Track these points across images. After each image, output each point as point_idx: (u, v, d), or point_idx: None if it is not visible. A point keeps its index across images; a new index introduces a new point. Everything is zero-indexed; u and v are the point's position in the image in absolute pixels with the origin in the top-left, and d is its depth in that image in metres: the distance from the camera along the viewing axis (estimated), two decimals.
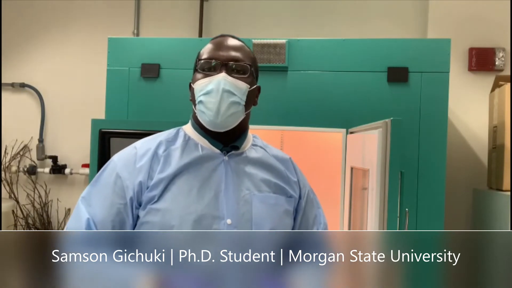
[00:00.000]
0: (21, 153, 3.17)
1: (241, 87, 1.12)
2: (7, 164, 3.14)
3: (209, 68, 1.13)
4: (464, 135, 2.70)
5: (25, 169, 3.12)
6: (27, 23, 3.21)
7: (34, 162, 3.16)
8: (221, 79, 1.10)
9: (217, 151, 1.16)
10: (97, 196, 1.12)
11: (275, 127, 2.23)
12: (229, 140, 1.17)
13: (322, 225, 1.31)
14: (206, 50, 1.17)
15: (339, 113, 2.26)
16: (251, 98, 1.17)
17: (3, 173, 3.12)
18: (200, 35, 2.99)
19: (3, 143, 3.16)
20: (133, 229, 1.10)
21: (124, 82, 2.43)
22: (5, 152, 3.16)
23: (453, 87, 2.40)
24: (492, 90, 2.41)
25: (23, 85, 3.18)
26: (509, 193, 2.05)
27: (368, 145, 1.71)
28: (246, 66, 1.14)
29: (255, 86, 1.19)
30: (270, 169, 1.21)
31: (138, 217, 1.11)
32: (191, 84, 1.17)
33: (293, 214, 1.23)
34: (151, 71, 2.40)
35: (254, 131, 2.35)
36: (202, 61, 1.15)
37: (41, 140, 3.15)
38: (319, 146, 2.35)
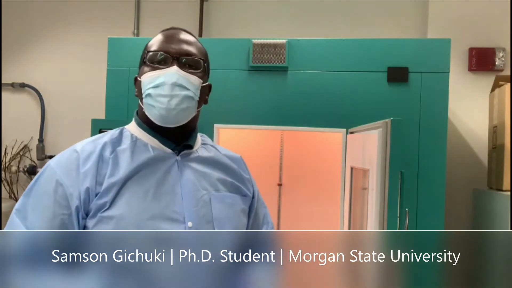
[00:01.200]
0: (21, 153, 3.17)
1: (194, 82, 1.05)
2: (7, 164, 3.14)
3: (159, 61, 1.05)
4: (464, 135, 2.70)
5: (25, 169, 3.12)
6: (27, 23, 3.21)
7: (34, 162, 3.16)
8: (174, 72, 1.02)
9: (169, 151, 1.09)
10: (34, 207, 0.99)
11: (275, 127, 2.23)
12: (180, 139, 1.10)
13: (270, 224, 1.29)
14: (156, 42, 1.08)
15: (339, 113, 2.26)
16: (203, 95, 1.10)
17: (3, 173, 3.12)
18: (200, 35, 2.99)
19: (3, 143, 3.16)
20: None
21: (124, 82, 2.42)
22: (5, 152, 3.15)
23: (453, 87, 2.39)
24: (492, 90, 2.41)
25: (23, 85, 3.18)
26: (509, 193, 2.05)
27: (368, 145, 1.71)
28: (199, 60, 1.07)
29: (207, 83, 1.12)
30: (224, 168, 1.17)
31: (85, 227, 1.00)
32: (137, 78, 1.09)
33: (247, 213, 1.20)
34: None
35: (254, 131, 2.36)
36: (151, 53, 1.06)
37: (41, 140, 3.15)
38: (319, 146, 2.35)
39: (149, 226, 0.99)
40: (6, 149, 3.17)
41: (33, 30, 3.21)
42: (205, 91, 1.11)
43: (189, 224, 1.03)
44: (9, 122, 3.17)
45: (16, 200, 3.11)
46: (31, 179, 3.32)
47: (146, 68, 1.06)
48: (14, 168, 3.13)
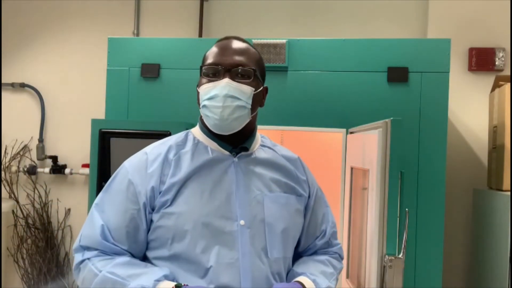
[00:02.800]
0: (21, 153, 3.17)
1: (246, 91, 1.12)
2: (7, 164, 3.14)
3: (213, 73, 1.13)
4: (464, 135, 2.70)
5: (25, 169, 3.11)
6: (27, 23, 3.21)
7: (34, 162, 3.16)
8: (225, 85, 1.10)
9: (227, 153, 1.18)
10: (110, 202, 1.13)
11: (275, 127, 2.23)
12: (237, 141, 1.18)
13: (330, 223, 1.34)
14: (210, 55, 1.16)
15: (339, 113, 2.26)
16: (257, 101, 1.18)
17: (3, 173, 3.12)
18: (200, 35, 2.99)
19: (3, 143, 3.16)
20: (147, 233, 1.13)
21: (124, 82, 2.43)
22: (5, 152, 3.15)
23: (453, 87, 2.39)
24: (492, 90, 2.41)
25: (23, 85, 3.18)
26: (509, 193, 2.05)
27: (368, 145, 1.71)
28: (250, 70, 1.14)
29: (261, 88, 1.20)
30: (280, 169, 1.23)
31: (152, 221, 1.12)
32: (197, 88, 1.18)
33: (303, 213, 1.25)
34: (151, 71, 2.40)
35: None
36: (206, 66, 1.15)
37: (41, 140, 3.15)
38: (319, 146, 2.35)
39: (204, 222, 1.08)
40: (6, 149, 3.16)
41: (33, 30, 3.21)
42: (259, 96, 1.19)
43: (241, 222, 1.11)
44: (9, 122, 3.17)
45: (16, 200, 3.11)
46: (31, 179, 3.33)
47: (203, 80, 1.15)
48: (14, 168, 3.13)
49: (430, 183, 2.15)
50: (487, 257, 2.26)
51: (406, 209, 1.49)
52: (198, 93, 1.17)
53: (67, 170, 3.08)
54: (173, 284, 1.03)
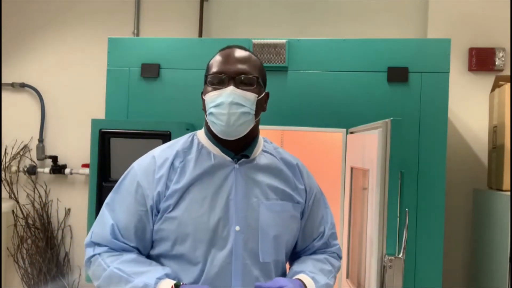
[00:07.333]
0: (21, 153, 3.17)
1: (250, 98, 1.18)
2: (7, 164, 3.14)
3: (218, 82, 1.18)
4: (464, 135, 2.70)
5: (25, 169, 3.11)
6: (27, 23, 3.21)
7: (34, 162, 3.16)
8: (230, 92, 1.15)
9: (229, 159, 1.22)
10: (120, 202, 1.21)
11: (275, 127, 2.23)
12: (240, 148, 1.23)
13: (329, 224, 1.38)
14: (214, 63, 1.21)
15: (339, 113, 2.26)
16: (260, 106, 1.23)
17: (3, 173, 3.12)
18: (200, 35, 2.99)
19: (3, 143, 3.16)
20: (153, 232, 1.20)
21: (124, 82, 2.43)
22: (5, 152, 3.15)
23: (453, 87, 2.39)
24: (492, 90, 2.41)
25: (23, 85, 3.18)
26: (509, 193, 2.05)
27: (368, 145, 1.71)
28: (253, 78, 1.19)
29: (263, 94, 1.25)
30: (279, 175, 1.27)
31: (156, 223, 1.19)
32: (202, 96, 1.23)
33: (299, 218, 1.29)
34: (151, 71, 2.40)
35: None
36: (211, 75, 1.19)
37: (41, 140, 3.15)
38: (319, 146, 2.35)
39: (204, 228, 1.16)
40: (6, 149, 3.16)
41: (33, 30, 3.21)
42: (262, 102, 1.25)
43: (237, 228, 1.18)
44: (9, 122, 3.17)
45: (16, 200, 3.11)
46: (31, 179, 3.32)
47: (208, 88, 1.20)
48: (14, 168, 3.13)
49: (430, 183, 2.15)
50: (487, 257, 2.26)
51: (406, 209, 1.49)
52: (203, 100, 1.22)
53: (67, 170, 3.08)
54: (173, 282, 1.09)
